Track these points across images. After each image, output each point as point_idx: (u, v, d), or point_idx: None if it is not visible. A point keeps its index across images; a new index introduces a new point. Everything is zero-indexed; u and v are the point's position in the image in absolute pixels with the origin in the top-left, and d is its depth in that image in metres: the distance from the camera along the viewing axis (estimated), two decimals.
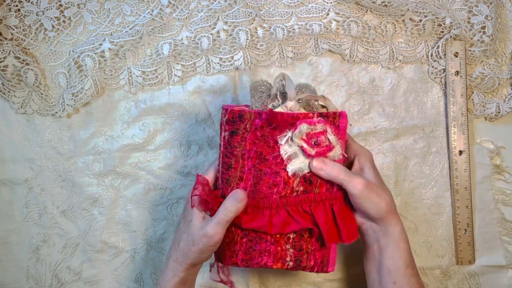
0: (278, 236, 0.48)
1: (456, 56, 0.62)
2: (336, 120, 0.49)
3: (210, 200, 0.48)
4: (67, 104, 0.60)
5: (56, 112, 0.61)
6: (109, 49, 0.59)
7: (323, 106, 0.51)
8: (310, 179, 0.48)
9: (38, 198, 0.62)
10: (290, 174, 0.48)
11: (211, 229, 0.47)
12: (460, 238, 0.62)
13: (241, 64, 0.61)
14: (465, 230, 0.62)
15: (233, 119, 0.48)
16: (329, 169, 0.48)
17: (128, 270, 0.63)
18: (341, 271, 0.62)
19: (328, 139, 0.48)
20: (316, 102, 0.51)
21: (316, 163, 0.48)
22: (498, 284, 0.63)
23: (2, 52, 0.59)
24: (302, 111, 0.49)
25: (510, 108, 0.62)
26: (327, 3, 0.61)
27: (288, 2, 0.61)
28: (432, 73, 0.63)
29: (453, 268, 0.63)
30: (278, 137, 0.48)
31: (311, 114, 0.48)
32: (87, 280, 0.62)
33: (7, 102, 0.62)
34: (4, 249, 0.62)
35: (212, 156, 0.62)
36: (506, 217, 0.63)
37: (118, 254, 0.63)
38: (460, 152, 0.62)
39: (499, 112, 0.62)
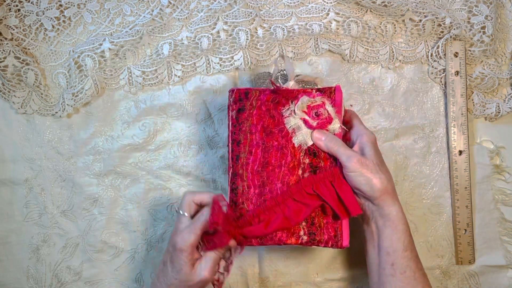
0: None
1: (456, 56, 0.62)
2: (332, 94, 0.53)
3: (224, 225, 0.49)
4: (67, 104, 0.60)
5: (56, 112, 0.61)
6: (109, 49, 0.59)
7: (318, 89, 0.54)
8: (314, 151, 0.52)
9: (38, 198, 0.62)
10: (296, 145, 0.52)
11: (208, 273, 0.49)
12: (460, 238, 0.62)
13: (241, 64, 0.61)
14: (465, 230, 0.62)
15: (240, 97, 0.53)
16: (327, 140, 0.51)
17: (128, 270, 0.63)
18: (341, 272, 0.62)
19: (327, 111, 0.52)
20: (312, 82, 0.56)
21: (316, 134, 0.52)
22: (498, 284, 0.63)
23: (2, 52, 0.59)
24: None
25: (510, 108, 0.62)
26: (327, 3, 0.61)
27: (288, 2, 0.61)
28: (432, 73, 0.63)
29: (453, 268, 0.63)
30: (282, 109, 0.52)
31: (310, 90, 0.53)
32: (87, 280, 0.62)
33: (7, 102, 0.62)
34: (4, 249, 0.62)
35: (212, 156, 0.62)
36: (506, 217, 0.63)
37: (118, 254, 0.63)
38: (460, 152, 0.62)
39: (499, 112, 0.62)
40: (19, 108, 0.61)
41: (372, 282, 0.52)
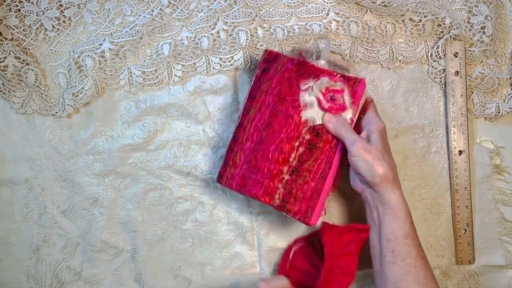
0: (274, 172, 0.53)
1: (456, 56, 0.62)
2: (355, 85, 0.53)
3: None
4: (67, 104, 0.60)
5: (56, 112, 0.61)
6: (109, 49, 0.59)
7: (343, 75, 0.55)
8: (318, 131, 0.53)
9: (38, 198, 0.62)
10: (302, 119, 0.53)
11: None
12: (460, 238, 0.62)
13: (241, 64, 0.61)
14: (465, 230, 0.62)
15: (269, 59, 0.56)
16: (337, 123, 0.52)
17: (128, 270, 0.63)
18: None
19: (343, 99, 0.53)
20: (343, 67, 0.56)
21: (328, 115, 0.53)
22: (498, 284, 0.63)
23: (2, 52, 0.59)
24: None
25: (510, 108, 0.63)
26: (327, 3, 0.61)
27: (288, 2, 0.61)
28: (432, 73, 0.63)
29: (453, 268, 0.63)
30: (301, 83, 0.54)
31: (335, 73, 0.54)
32: (87, 280, 0.62)
33: (7, 102, 0.62)
34: (4, 249, 0.62)
35: (212, 156, 0.62)
36: (506, 217, 0.63)
37: (118, 254, 0.63)
38: (460, 152, 0.62)
39: (499, 112, 0.63)
40: (19, 108, 0.61)
41: (375, 270, 0.53)
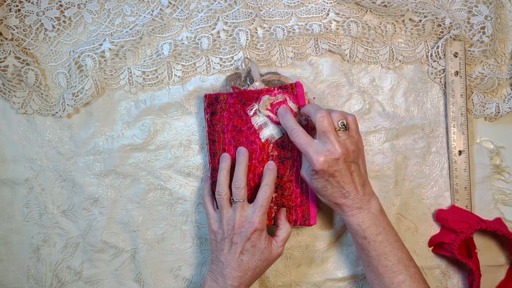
0: None
1: (456, 56, 0.62)
2: (294, 90, 0.57)
3: None
4: (67, 104, 0.60)
5: (57, 112, 0.61)
6: (110, 49, 0.59)
7: (279, 87, 0.58)
8: (282, 143, 0.57)
9: (39, 198, 0.62)
10: (263, 140, 0.57)
11: (282, 248, 0.56)
12: None
13: (241, 64, 0.61)
14: None
15: (212, 102, 0.59)
16: (300, 142, 0.52)
17: (128, 270, 0.63)
18: (341, 271, 0.63)
19: (290, 107, 0.56)
20: (276, 81, 0.59)
21: (294, 133, 0.53)
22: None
23: (2, 52, 0.59)
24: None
25: (509, 108, 0.63)
26: (327, 3, 0.61)
27: (288, 2, 0.61)
28: (431, 73, 0.63)
29: (453, 268, 0.63)
30: (247, 109, 0.57)
31: (272, 88, 0.57)
32: (88, 280, 0.63)
33: (7, 102, 0.62)
34: (5, 249, 0.63)
35: None
36: (506, 217, 0.63)
37: (118, 254, 0.63)
38: (460, 152, 0.62)
39: (498, 112, 0.63)
40: (19, 108, 0.61)
41: None
